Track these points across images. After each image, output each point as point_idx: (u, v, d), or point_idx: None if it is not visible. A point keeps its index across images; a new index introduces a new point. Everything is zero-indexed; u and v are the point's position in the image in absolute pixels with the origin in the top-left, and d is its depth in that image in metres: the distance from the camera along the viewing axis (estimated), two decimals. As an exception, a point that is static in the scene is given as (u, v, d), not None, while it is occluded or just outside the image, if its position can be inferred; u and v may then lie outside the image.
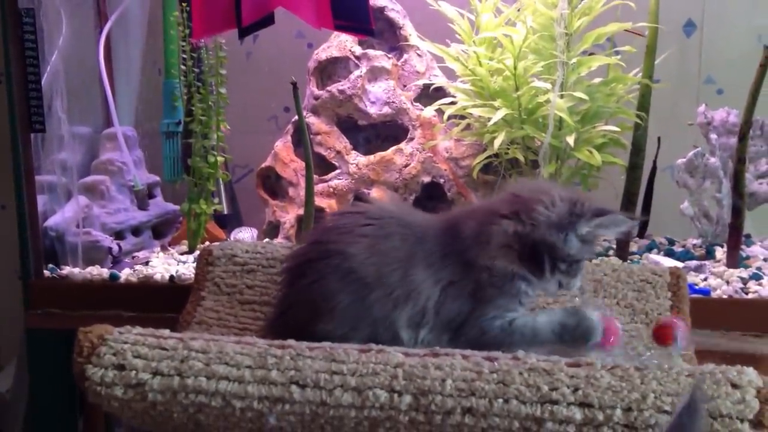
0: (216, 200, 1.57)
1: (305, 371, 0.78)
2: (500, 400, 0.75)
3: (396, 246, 0.93)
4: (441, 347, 0.91)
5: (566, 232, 0.91)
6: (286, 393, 0.77)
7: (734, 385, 0.73)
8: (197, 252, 1.43)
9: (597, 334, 0.91)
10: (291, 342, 0.83)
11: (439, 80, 1.53)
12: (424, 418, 0.76)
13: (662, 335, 0.87)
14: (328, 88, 1.56)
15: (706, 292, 1.25)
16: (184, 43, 1.47)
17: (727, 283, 1.27)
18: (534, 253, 0.91)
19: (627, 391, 0.74)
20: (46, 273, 1.39)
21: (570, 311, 0.94)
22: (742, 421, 0.71)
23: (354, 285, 0.91)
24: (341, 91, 1.55)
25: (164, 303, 1.26)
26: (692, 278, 1.29)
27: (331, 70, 1.60)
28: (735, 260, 1.35)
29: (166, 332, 0.86)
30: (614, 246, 1.42)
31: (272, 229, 1.63)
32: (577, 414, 0.73)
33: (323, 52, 1.59)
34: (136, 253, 1.52)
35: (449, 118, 1.47)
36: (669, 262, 1.34)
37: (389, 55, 1.58)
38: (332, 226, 0.98)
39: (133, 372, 0.80)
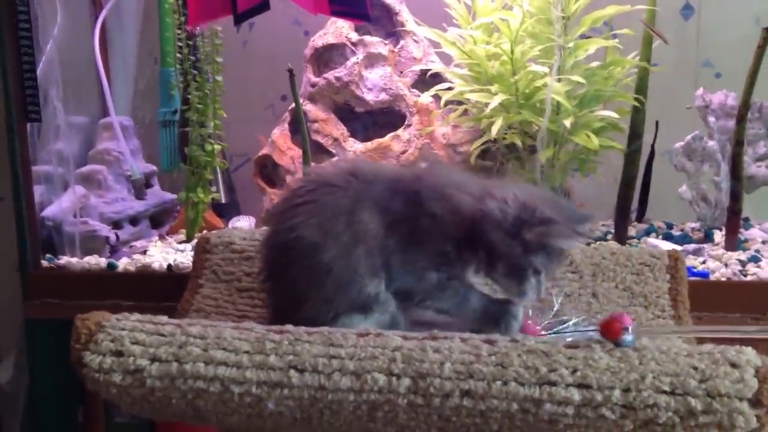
0: (213, 189, 1.57)
1: (303, 356, 0.78)
2: (499, 383, 0.74)
3: (339, 196, 0.91)
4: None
5: (506, 234, 0.89)
6: (285, 378, 0.77)
7: (733, 365, 0.73)
8: (195, 241, 1.43)
9: (511, 332, 0.91)
10: (289, 327, 0.83)
11: (436, 66, 1.52)
12: (422, 401, 0.75)
13: (609, 329, 0.83)
14: (325, 76, 1.56)
15: (704, 274, 1.25)
16: (179, 31, 1.47)
17: (726, 265, 1.27)
18: (478, 249, 0.91)
19: (625, 372, 0.73)
20: (44, 263, 1.39)
21: (500, 302, 0.93)
22: (740, 400, 0.71)
23: (307, 254, 0.89)
24: (338, 78, 1.54)
25: (162, 292, 1.26)
26: (691, 261, 1.29)
27: (327, 57, 1.60)
28: (733, 243, 1.35)
29: (164, 318, 0.86)
30: (613, 230, 1.42)
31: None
32: (576, 395, 0.73)
33: (319, 39, 1.58)
34: (133, 243, 1.52)
35: (446, 103, 1.46)
36: (667, 246, 1.34)
37: (386, 42, 1.57)
38: (277, 209, 0.97)
39: (131, 358, 0.80)
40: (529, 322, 0.96)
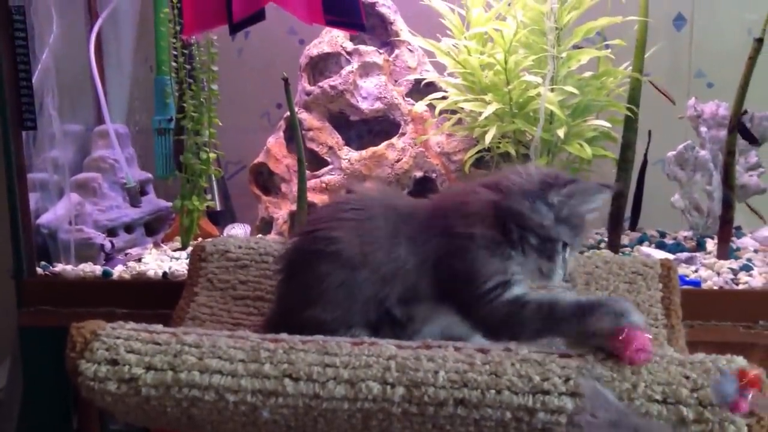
0: (209, 197, 1.57)
1: (298, 364, 0.79)
2: (492, 391, 0.75)
3: (380, 225, 0.92)
4: (439, 318, 0.91)
5: (534, 199, 0.87)
6: (279, 386, 0.78)
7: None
8: (190, 248, 1.43)
9: (632, 314, 0.79)
10: (284, 336, 0.84)
11: (431, 75, 1.53)
12: (417, 409, 0.76)
13: None
14: (320, 84, 1.56)
15: (696, 283, 1.25)
16: (175, 40, 1.47)
17: (718, 274, 1.28)
18: (507, 225, 0.87)
19: (618, 381, 0.74)
20: (39, 271, 1.39)
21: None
22: (732, 410, 0.72)
23: (341, 267, 0.91)
24: (333, 87, 1.55)
25: (157, 299, 1.26)
26: (683, 270, 1.30)
27: (322, 66, 1.60)
28: (725, 252, 1.36)
29: (159, 327, 0.86)
30: (606, 239, 1.42)
31: (265, 225, 1.63)
32: (569, 404, 0.74)
33: (315, 48, 1.59)
34: (128, 250, 1.52)
35: (441, 112, 1.47)
36: (660, 255, 1.35)
37: (380, 51, 1.58)
38: (318, 216, 0.99)
39: (126, 367, 0.80)
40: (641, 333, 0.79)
